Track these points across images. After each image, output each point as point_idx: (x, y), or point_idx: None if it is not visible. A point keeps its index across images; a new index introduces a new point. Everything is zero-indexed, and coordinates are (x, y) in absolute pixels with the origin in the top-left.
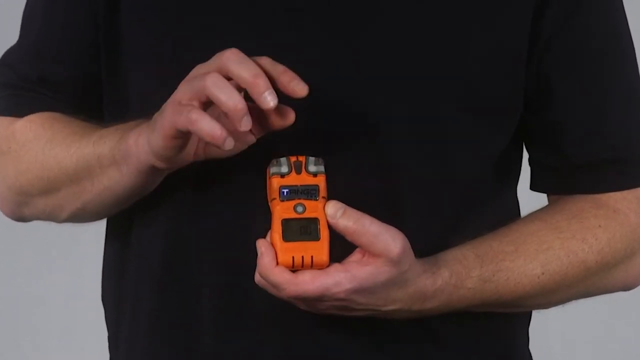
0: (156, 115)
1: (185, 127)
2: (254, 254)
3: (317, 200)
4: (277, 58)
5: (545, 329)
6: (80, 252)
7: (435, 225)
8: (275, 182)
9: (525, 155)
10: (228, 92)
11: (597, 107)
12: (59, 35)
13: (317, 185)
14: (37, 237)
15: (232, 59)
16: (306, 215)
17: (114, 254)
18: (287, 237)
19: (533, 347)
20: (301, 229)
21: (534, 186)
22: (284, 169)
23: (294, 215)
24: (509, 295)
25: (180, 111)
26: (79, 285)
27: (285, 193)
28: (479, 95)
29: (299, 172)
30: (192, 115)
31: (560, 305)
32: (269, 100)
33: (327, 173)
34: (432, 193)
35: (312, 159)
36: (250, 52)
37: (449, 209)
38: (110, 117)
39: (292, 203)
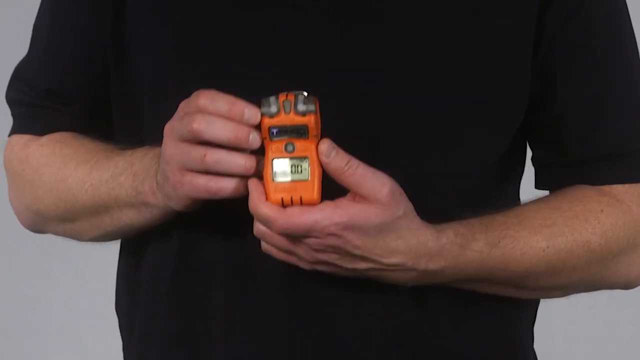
0: (160, 177)
1: (208, 197)
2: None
3: (307, 138)
4: (281, 54)
5: (548, 328)
6: (81, 253)
7: (438, 221)
8: (264, 122)
9: (528, 154)
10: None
11: (601, 102)
12: (67, 45)
13: (306, 125)
14: (37, 238)
15: (203, 127)
16: (296, 154)
17: (127, 266)
18: (277, 177)
19: (535, 345)
20: (292, 168)
21: (539, 184)
22: (273, 109)
23: (284, 155)
24: (515, 266)
25: (192, 183)
26: (80, 286)
27: (274, 133)
28: (485, 92)
29: (287, 111)
30: (210, 185)
31: (564, 298)
32: (257, 140)
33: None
34: (435, 189)
35: (301, 97)
36: (254, 47)
37: (452, 205)
38: (120, 125)
39: (283, 142)
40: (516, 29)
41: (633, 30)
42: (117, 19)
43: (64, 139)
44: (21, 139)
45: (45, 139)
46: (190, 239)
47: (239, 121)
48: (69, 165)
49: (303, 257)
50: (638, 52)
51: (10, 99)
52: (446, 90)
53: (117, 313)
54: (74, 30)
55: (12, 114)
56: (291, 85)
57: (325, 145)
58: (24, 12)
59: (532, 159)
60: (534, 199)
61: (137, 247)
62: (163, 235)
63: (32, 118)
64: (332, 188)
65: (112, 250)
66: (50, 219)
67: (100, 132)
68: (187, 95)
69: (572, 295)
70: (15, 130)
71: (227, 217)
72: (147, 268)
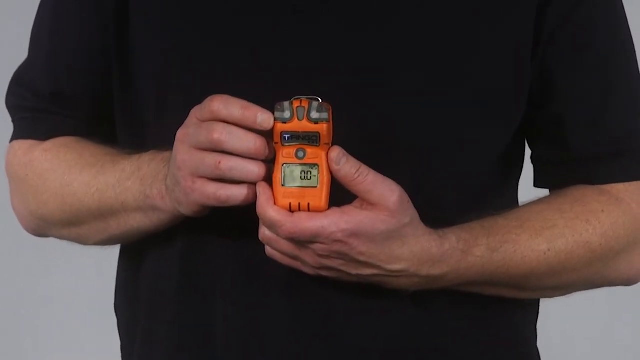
0: (169, 182)
1: (217, 205)
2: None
3: (318, 146)
4: (281, 57)
5: (546, 327)
6: (82, 252)
7: (438, 219)
8: (277, 127)
9: (527, 153)
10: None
11: (600, 100)
12: (71, 48)
13: (318, 133)
14: (38, 238)
15: (224, 137)
16: (306, 161)
17: (127, 270)
18: (286, 182)
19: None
20: (301, 174)
21: (538, 183)
22: (286, 115)
23: (294, 161)
24: (516, 269)
25: (202, 190)
26: (80, 286)
27: (286, 138)
28: (487, 92)
29: (300, 118)
30: (220, 194)
31: (563, 298)
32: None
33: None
34: (438, 188)
35: (315, 104)
36: (255, 50)
37: (454, 203)
38: (123, 126)
39: (294, 148)
40: (515, 28)
41: (629, 29)
42: (121, 21)
43: (67, 143)
44: (24, 144)
45: (49, 143)
46: (194, 244)
47: (252, 125)
48: (74, 169)
49: (308, 262)
50: (634, 51)
51: (11, 105)
52: (448, 90)
53: (115, 312)
54: (79, 33)
55: (13, 120)
56: (291, 87)
57: (335, 152)
58: (24, 12)
59: (532, 157)
60: (535, 199)
61: (137, 250)
62: (166, 240)
63: (35, 123)
64: (339, 196)
65: (111, 250)
66: (54, 224)
67: (102, 136)
68: (189, 97)
69: (571, 295)
70: (18, 135)
71: (231, 222)
72: (149, 272)
